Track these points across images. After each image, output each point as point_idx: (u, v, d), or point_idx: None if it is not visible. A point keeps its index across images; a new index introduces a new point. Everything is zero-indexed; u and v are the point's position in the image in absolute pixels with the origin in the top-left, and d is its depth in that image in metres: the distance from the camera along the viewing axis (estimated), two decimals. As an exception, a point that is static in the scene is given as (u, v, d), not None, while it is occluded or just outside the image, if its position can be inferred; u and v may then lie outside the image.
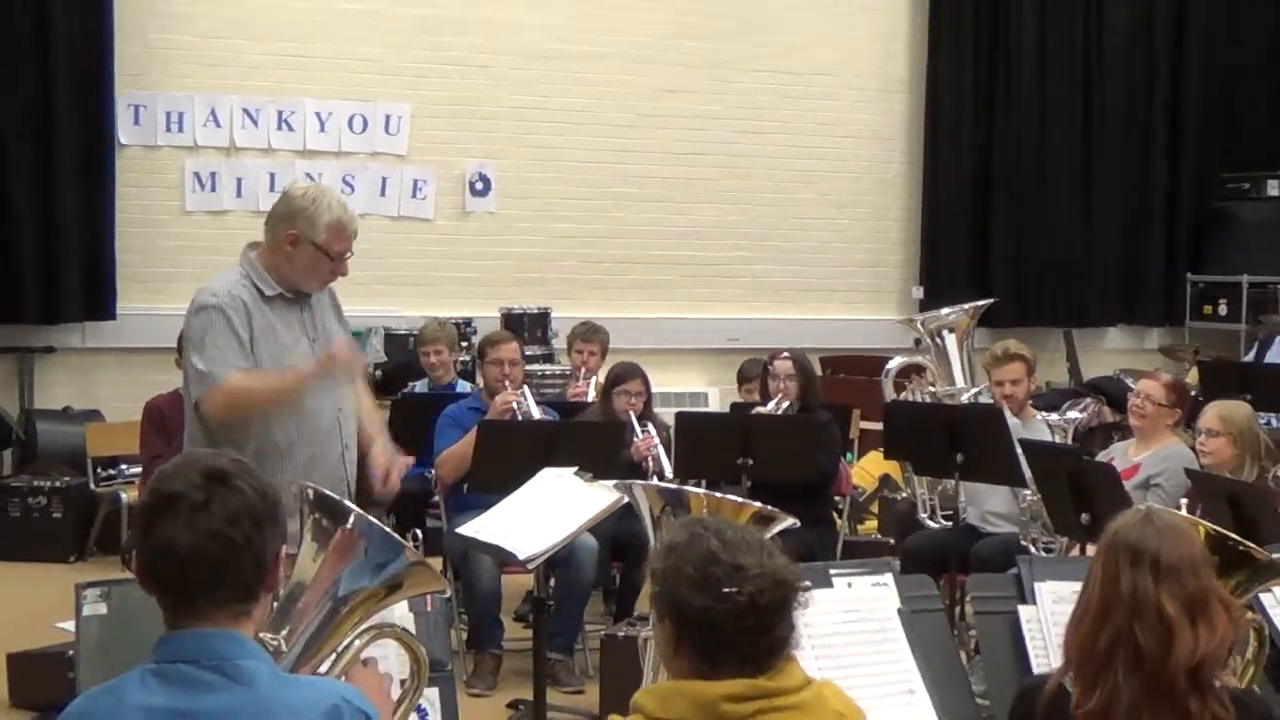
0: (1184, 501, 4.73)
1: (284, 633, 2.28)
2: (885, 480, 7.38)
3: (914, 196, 9.92)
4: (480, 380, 6.32)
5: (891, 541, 6.58)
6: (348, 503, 2.40)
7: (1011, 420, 5.59)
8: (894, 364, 6.64)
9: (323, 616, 2.32)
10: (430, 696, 2.80)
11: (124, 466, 7.41)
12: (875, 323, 9.58)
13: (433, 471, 5.81)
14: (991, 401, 5.84)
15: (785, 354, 6.16)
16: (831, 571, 3.11)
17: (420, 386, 7.15)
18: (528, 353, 7.09)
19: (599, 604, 6.17)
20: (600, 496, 3.70)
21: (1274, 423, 6.80)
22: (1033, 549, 5.30)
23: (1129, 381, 7.62)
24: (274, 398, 3.75)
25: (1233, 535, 2.77)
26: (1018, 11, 9.84)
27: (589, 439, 5.47)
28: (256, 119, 8.52)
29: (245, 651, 1.99)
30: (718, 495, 3.16)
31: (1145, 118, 10.24)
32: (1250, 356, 8.33)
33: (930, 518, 5.87)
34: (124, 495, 7.17)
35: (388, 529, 2.37)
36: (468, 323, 8.21)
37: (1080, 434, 6.72)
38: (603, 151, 9.14)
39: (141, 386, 7.19)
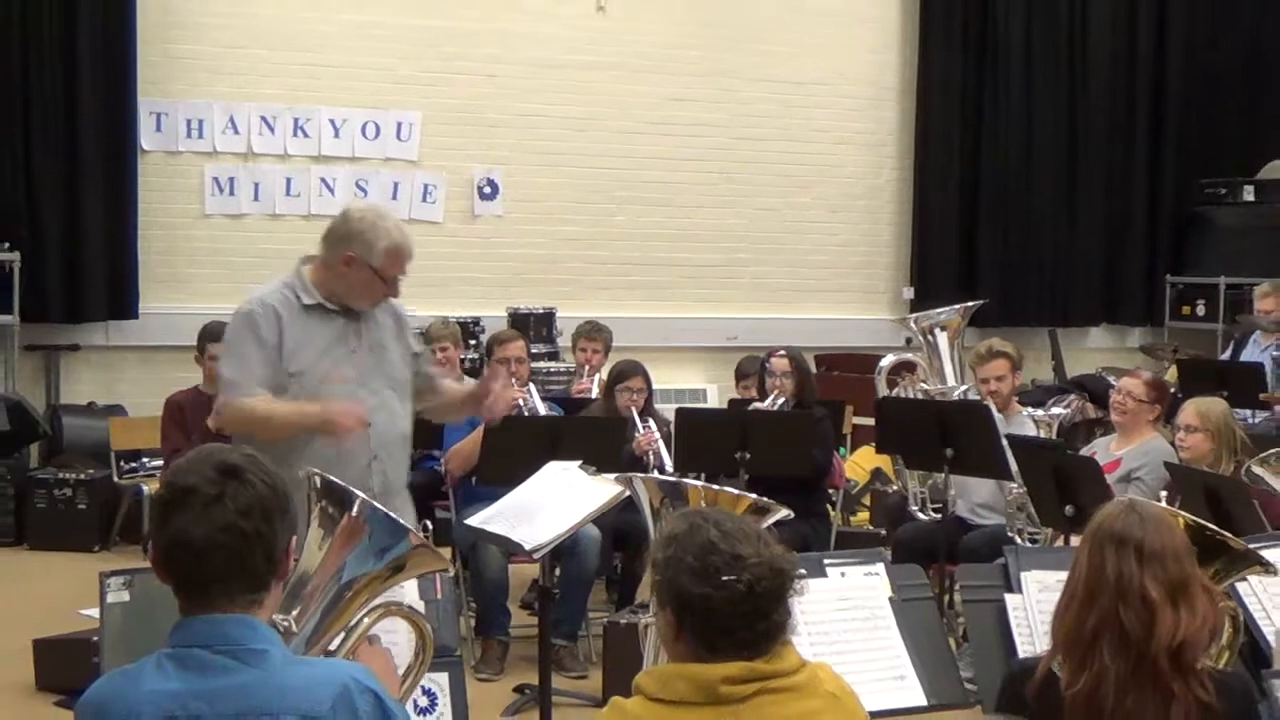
0: (1163, 494, 4.76)
1: (294, 613, 2.28)
2: (877, 474, 7.37)
3: (905, 201, 9.92)
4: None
5: (883, 533, 6.58)
6: (353, 489, 2.38)
7: (996, 415, 5.58)
8: (886, 361, 6.62)
9: (330, 598, 2.32)
10: (440, 681, 2.80)
11: (146, 460, 7.42)
12: (868, 322, 9.59)
13: (442, 464, 5.81)
14: (980, 398, 5.84)
15: (781, 352, 6.15)
16: (826, 561, 3.12)
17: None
18: (533, 351, 7.09)
19: (601, 592, 6.17)
20: (603, 489, 3.69)
21: (1249, 419, 6.79)
22: (1019, 540, 5.29)
23: (1111, 379, 7.61)
24: (281, 431, 3.67)
25: (1210, 525, 2.77)
26: (1005, 22, 9.83)
27: (592, 434, 5.46)
28: (273, 126, 8.51)
29: (257, 636, 1.99)
30: (715, 487, 3.15)
31: (1127, 126, 10.23)
32: (1227, 355, 8.32)
33: (920, 510, 5.87)
34: (146, 487, 7.16)
35: (391, 514, 2.36)
36: (476, 322, 8.21)
37: (1064, 429, 6.71)
38: (606, 157, 9.14)
39: (162, 383, 7.18)
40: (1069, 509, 4.65)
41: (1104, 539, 2.43)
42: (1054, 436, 5.93)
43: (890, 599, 3.06)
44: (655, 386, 6.32)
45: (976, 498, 5.70)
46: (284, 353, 3.74)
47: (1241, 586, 3.11)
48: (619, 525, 5.44)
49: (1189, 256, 10.19)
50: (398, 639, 2.57)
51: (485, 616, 5.48)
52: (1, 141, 7.89)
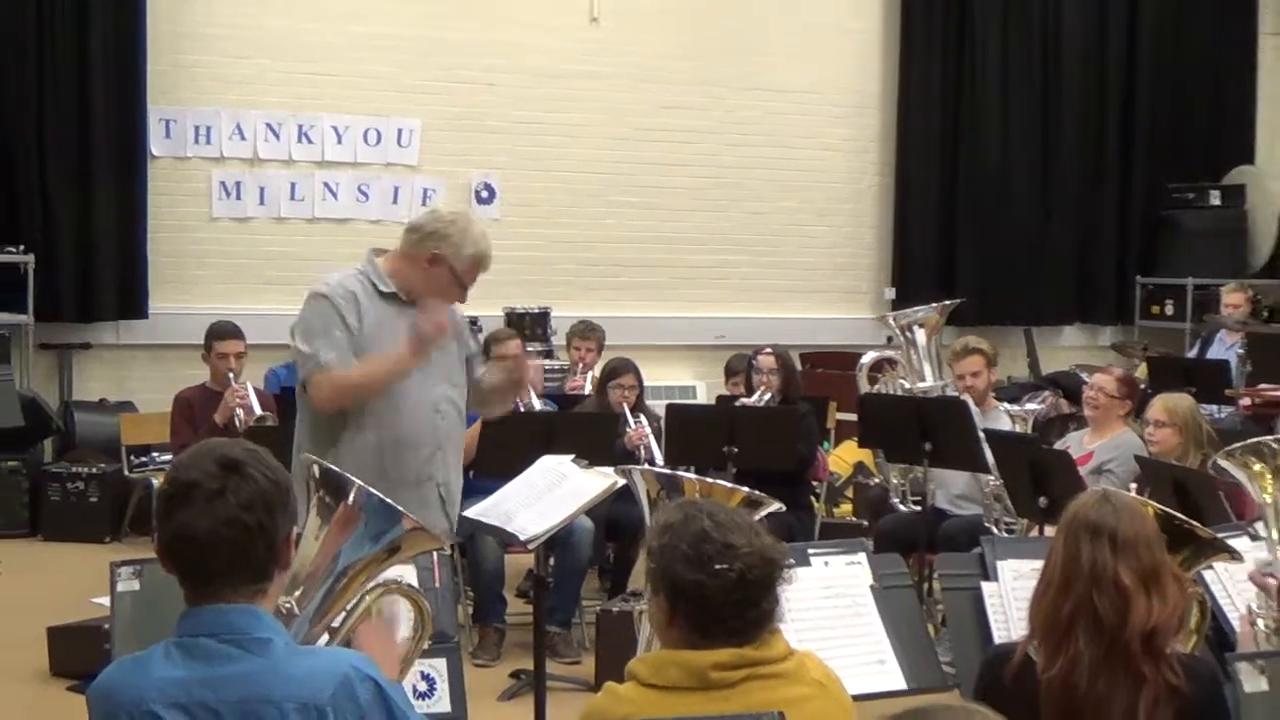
0: (1133, 486, 4.75)
1: (296, 594, 2.27)
2: (859, 467, 7.36)
3: (887, 204, 9.91)
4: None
5: (865, 523, 6.58)
6: (349, 476, 2.37)
7: (974, 410, 5.57)
8: (867, 358, 6.62)
9: (331, 580, 2.31)
10: (438, 666, 2.79)
11: (155, 454, 7.39)
12: (851, 321, 9.57)
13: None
14: (958, 394, 5.83)
15: (768, 350, 6.15)
16: (810, 551, 3.11)
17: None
18: (529, 349, 7.07)
19: (595, 581, 6.16)
20: (596, 482, 3.68)
21: (1216, 413, 6.80)
22: (995, 530, 5.30)
23: (1084, 376, 7.61)
24: (375, 381, 3.65)
25: (1179, 515, 2.77)
26: (982, 31, 9.83)
27: (585, 429, 5.46)
28: (278, 133, 8.49)
29: (261, 625, 1.98)
30: (710, 480, 3.15)
31: (1098, 134, 10.23)
32: (1194, 353, 8.33)
33: (901, 502, 5.87)
34: (155, 481, 7.12)
35: (386, 499, 2.36)
36: (473, 321, 8.15)
37: (1039, 424, 6.73)
38: (600, 163, 9.12)
39: (172, 380, 7.16)
40: (1043, 500, 4.66)
41: (1079, 528, 2.43)
42: (1029, 431, 5.93)
43: (872, 587, 3.06)
44: (646, 383, 6.32)
45: (954, 489, 5.70)
46: (363, 335, 3.71)
47: (1208, 574, 3.11)
48: (611, 516, 5.44)
49: (1158, 258, 10.21)
50: (397, 612, 2.56)
51: (482, 605, 5.48)
52: (17, 148, 7.88)
